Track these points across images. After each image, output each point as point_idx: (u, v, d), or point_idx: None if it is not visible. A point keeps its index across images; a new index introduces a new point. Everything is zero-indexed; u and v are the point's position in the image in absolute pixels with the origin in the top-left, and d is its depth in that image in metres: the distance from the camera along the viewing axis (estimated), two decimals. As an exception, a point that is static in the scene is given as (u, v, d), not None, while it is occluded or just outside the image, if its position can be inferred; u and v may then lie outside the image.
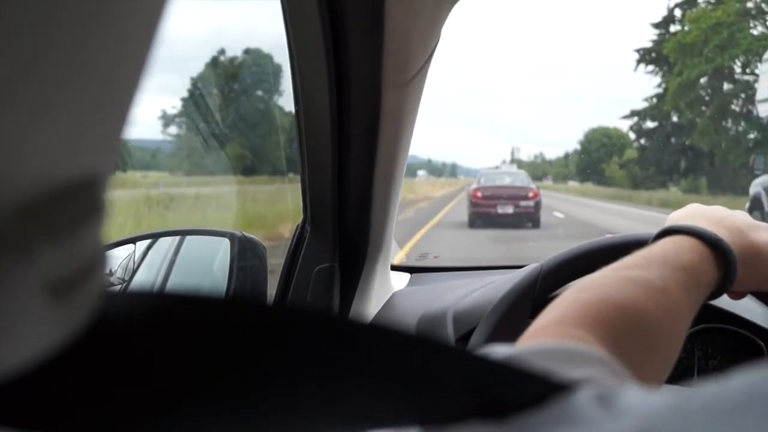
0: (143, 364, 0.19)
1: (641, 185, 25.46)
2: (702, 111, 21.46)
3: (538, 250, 7.82)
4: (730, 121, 20.52)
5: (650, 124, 26.06)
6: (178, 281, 0.93)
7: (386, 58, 0.78)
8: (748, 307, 0.89)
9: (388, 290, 1.15)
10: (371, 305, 1.07)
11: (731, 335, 0.89)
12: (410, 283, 1.25)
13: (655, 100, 25.62)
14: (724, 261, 0.49)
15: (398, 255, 1.36)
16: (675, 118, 24.28)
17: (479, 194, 11.11)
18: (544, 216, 11.21)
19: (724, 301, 0.66)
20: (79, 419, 0.18)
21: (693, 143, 22.46)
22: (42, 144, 0.14)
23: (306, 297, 0.97)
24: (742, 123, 20.10)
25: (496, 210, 10.83)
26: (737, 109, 20.42)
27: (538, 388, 0.25)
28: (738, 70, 20.39)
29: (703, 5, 20.13)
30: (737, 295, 0.59)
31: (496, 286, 0.89)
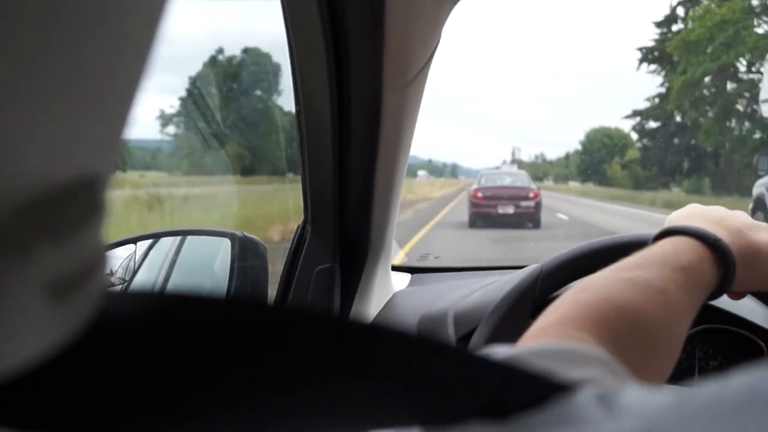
0: (143, 364, 0.19)
1: (643, 186, 25.18)
2: (706, 110, 21.15)
3: (539, 251, 7.81)
4: (734, 121, 20.30)
5: (653, 124, 25.80)
6: (179, 281, 0.93)
7: (387, 58, 0.78)
8: (748, 308, 0.89)
9: (388, 291, 1.15)
10: (372, 306, 1.07)
11: (732, 336, 0.89)
12: (411, 283, 1.25)
13: (657, 100, 25.43)
14: (723, 261, 0.49)
15: (398, 255, 1.35)
16: (678, 118, 23.99)
17: (480, 194, 11.11)
18: (547, 218, 11.11)
19: (724, 302, 0.66)
20: (79, 419, 0.18)
21: (697, 143, 22.17)
22: (42, 144, 0.14)
23: (307, 297, 0.97)
24: (747, 123, 19.85)
25: (496, 210, 10.83)
26: (741, 108, 20.17)
27: (539, 389, 0.25)
28: (743, 69, 20.15)
29: (707, 2, 19.86)
30: (737, 296, 0.59)
31: (496, 286, 0.89)
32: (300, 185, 0.99)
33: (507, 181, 12.33)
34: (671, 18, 23.47)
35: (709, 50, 19.51)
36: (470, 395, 0.24)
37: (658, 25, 24.12)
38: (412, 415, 0.24)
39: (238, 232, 0.93)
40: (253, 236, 0.94)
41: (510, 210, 10.84)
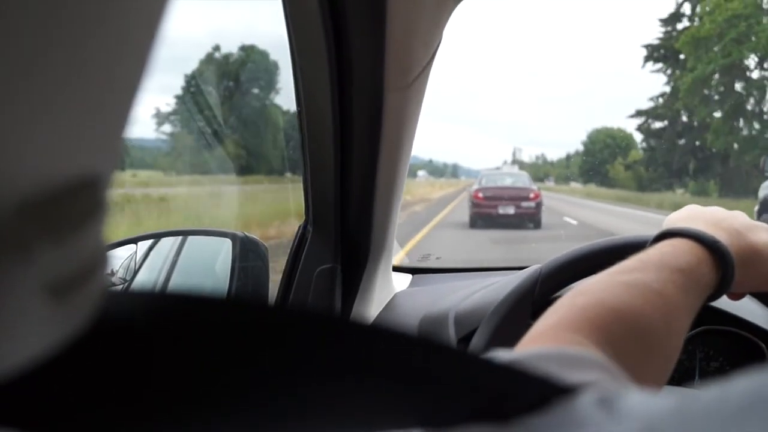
0: (144, 363, 0.19)
1: (647, 187, 24.76)
2: (714, 109, 20.72)
3: (540, 251, 7.80)
4: (741, 121, 19.91)
5: (659, 124, 25.36)
6: (179, 281, 0.93)
7: (388, 59, 0.78)
8: (749, 309, 0.89)
9: (389, 291, 1.15)
10: (373, 306, 1.07)
11: (732, 337, 0.89)
12: (412, 284, 1.25)
13: (660, 99, 25.13)
14: (721, 263, 0.49)
15: (398, 255, 1.36)
16: (684, 118, 23.61)
17: (480, 195, 11.12)
18: (554, 222, 10.98)
19: (725, 303, 0.66)
20: (79, 419, 0.18)
21: (703, 144, 21.72)
22: (42, 144, 0.14)
23: (308, 298, 0.97)
24: (756, 123, 19.43)
25: (497, 211, 10.83)
26: (750, 108, 19.83)
27: (540, 391, 0.25)
28: (753, 65, 19.69)
29: (716, -2, 19.33)
30: (736, 296, 0.59)
31: (497, 287, 0.89)
32: (300, 185, 0.99)
33: (508, 182, 12.32)
34: (677, 15, 23.13)
35: (718, 47, 19.00)
36: (471, 397, 0.24)
37: (664, 22, 23.82)
38: (412, 415, 0.24)
39: (239, 233, 0.93)
40: (254, 236, 0.94)
41: (510, 210, 10.85)
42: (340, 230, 0.98)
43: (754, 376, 0.21)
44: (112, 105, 0.16)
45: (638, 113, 25.99)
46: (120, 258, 0.87)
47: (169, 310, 0.19)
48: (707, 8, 19.57)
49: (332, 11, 0.76)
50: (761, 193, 6.28)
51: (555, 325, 0.40)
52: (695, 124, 22.97)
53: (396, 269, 1.23)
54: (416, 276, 1.28)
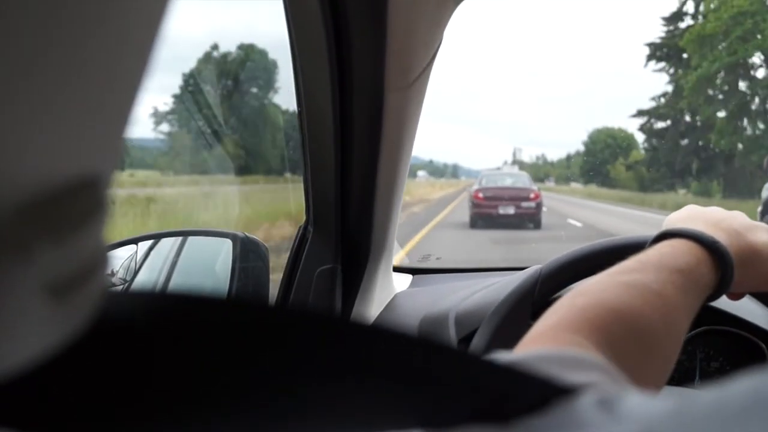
0: (144, 364, 0.19)
1: (649, 188, 24.40)
2: (718, 109, 20.39)
3: (540, 252, 7.79)
4: (746, 120, 19.64)
5: (661, 124, 25.02)
6: (180, 282, 0.93)
7: (389, 60, 0.78)
8: (749, 309, 0.89)
9: (390, 291, 1.15)
10: (373, 306, 1.07)
11: (733, 337, 0.89)
12: (412, 284, 1.25)
13: (662, 99, 24.87)
14: (720, 263, 0.49)
15: (399, 255, 1.36)
16: (688, 118, 23.25)
17: (480, 195, 11.13)
18: (557, 224, 10.87)
19: (725, 304, 0.66)
20: (79, 419, 0.18)
21: (706, 144, 21.25)
22: (43, 144, 0.14)
23: (308, 298, 0.97)
24: (760, 123, 19.15)
25: (497, 211, 10.84)
26: (754, 108, 19.56)
27: (541, 393, 0.25)
28: (758, 62, 19.33)
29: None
30: (736, 296, 0.59)
31: (497, 288, 0.89)
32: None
33: (508, 182, 12.33)
34: (680, 13, 22.76)
35: (723, 45, 18.60)
36: (471, 397, 0.24)
37: (667, 20, 23.53)
38: (412, 416, 0.24)
39: (239, 233, 0.93)
40: (254, 237, 0.94)
41: (511, 210, 10.86)
42: (341, 230, 0.98)
43: (752, 378, 0.21)
44: (112, 105, 0.16)
45: (640, 113, 25.77)
46: (120, 258, 0.87)
47: (169, 310, 0.19)
48: (712, 5, 19.17)
49: (332, 11, 0.76)
50: (764, 194, 6.24)
51: (555, 325, 0.40)
52: (698, 124, 22.68)
53: (396, 269, 1.23)
54: (416, 276, 1.28)
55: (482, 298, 0.90)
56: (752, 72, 19.89)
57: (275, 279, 0.98)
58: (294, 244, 1.01)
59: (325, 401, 0.22)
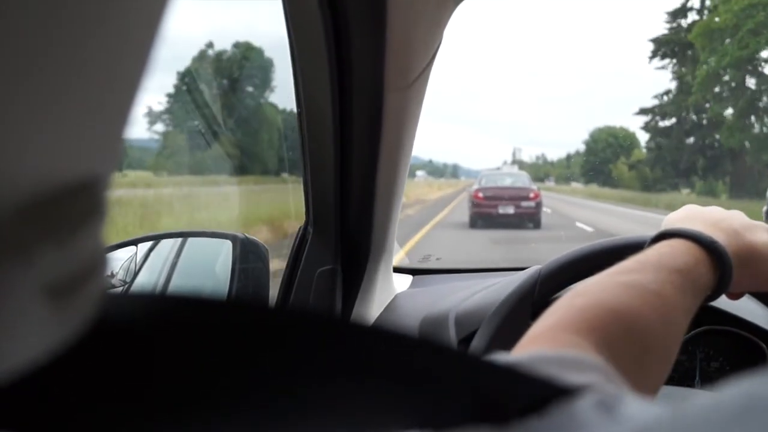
0: (144, 365, 0.19)
1: (652, 187, 23.97)
2: (726, 106, 19.89)
3: (540, 252, 7.77)
4: (753, 118, 19.24)
5: (666, 122, 24.57)
6: (180, 283, 0.93)
7: (388, 59, 0.78)
8: (749, 309, 0.89)
9: (390, 292, 1.15)
10: (373, 307, 1.07)
11: (733, 337, 0.89)
12: (412, 285, 1.25)
13: (666, 97, 24.49)
14: (719, 263, 0.49)
15: (398, 255, 1.36)
16: (694, 116, 22.77)
17: (480, 195, 11.15)
18: (565, 227, 10.78)
19: (725, 303, 0.66)
20: (79, 421, 0.18)
21: (712, 142, 20.69)
22: (42, 144, 0.14)
23: (308, 299, 0.97)
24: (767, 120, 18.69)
25: (497, 210, 10.86)
26: (762, 105, 19.17)
27: (540, 394, 0.25)
28: (766, 58, 18.82)
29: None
30: (735, 296, 0.59)
31: (497, 288, 0.89)
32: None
33: (507, 182, 12.35)
34: (685, 8, 22.33)
35: (734, 38, 17.96)
36: (470, 398, 0.24)
37: (672, 15, 23.08)
38: (412, 417, 0.24)
39: (239, 234, 0.93)
40: (254, 238, 0.94)
41: (510, 210, 10.88)
42: (341, 231, 0.98)
43: (747, 382, 0.21)
44: (112, 105, 0.16)
45: (643, 111, 25.40)
46: (120, 260, 0.86)
47: (169, 311, 0.19)
48: (723, -3, 18.71)
49: (332, 11, 0.76)
50: (769, 194, 6.21)
51: (553, 326, 0.40)
52: (704, 122, 22.30)
53: (396, 270, 1.23)
54: (416, 277, 1.29)
55: (482, 299, 0.90)
56: (760, 68, 19.54)
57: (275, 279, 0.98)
58: (294, 245, 1.01)
59: (326, 402, 0.22)
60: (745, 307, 0.89)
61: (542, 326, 0.40)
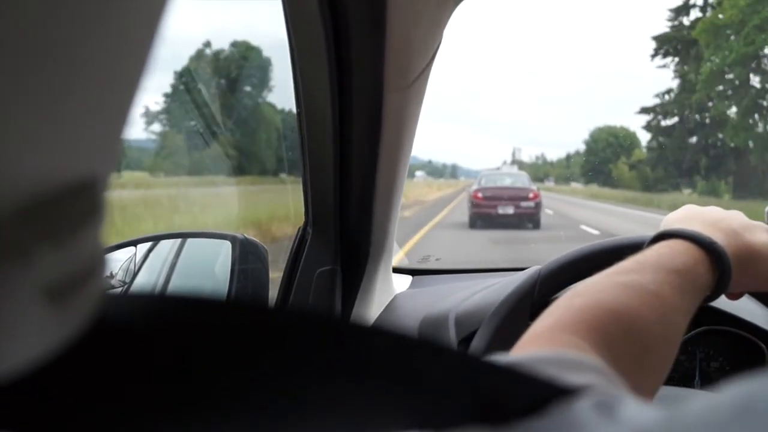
0: (143, 366, 0.19)
1: (653, 187, 23.52)
2: (730, 104, 19.58)
3: (540, 252, 7.77)
4: (756, 116, 18.93)
5: (668, 122, 24.24)
6: (179, 284, 0.93)
7: (388, 59, 0.78)
8: (748, 309, 0.89)
9: (389, 293, 1.15)
10: (373, 308, 1.07)
11: (732, 337, 0.89)
12: (412, 285, 1.25)
13: (667, 96, 24.13)
14: (718, 264, 0.49)
15: (398, 255, 1.36)
16: (697, 115, 22.43)
17: (480, 195, 11.16)
18: (570, 234, 10.64)
19: (724, 304, 0.66)
20: (79, 421, 0.18)
21: (715, 141, 20.29)
22: (42, 144, 0.14)
23: (308, 300, 0.97)
24: None
25: (496, 210, 10.87)
26: (766, 103, 18.90)
27: (539, 395, 0.25)
28: None
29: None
30: (735, 296, 0.59)
31: (497, 288, 0.89)
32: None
33: (507, 182, 12.36)
34: (687, 5, 22.04)
35: (739, 35, 17.58)
36: (470, 398, 0.24)
37: (675, 12, 22.80)
38: (411, 417, 0.24)
39: (239, 235, 0.93)
40: (254, 239, 0.94)
41: (510, 210, 10.89)
42: (340, 231, 0.98)
43: (745, 384, 0.21)
44: (111, 105, 0.16)
45: (645, 110, 25.06)
46: (119, 260, 0.86)
47: (168, 312, 0.19)
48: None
49: (332, 12, 0.76)
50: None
51: (552, 326, 0.40)
52: (707, 120, 21.94)
53: (396, 270, 1.23)
54: (416, 277, 1.29)
55: (482, 299, 0.90)
56: (764, 66, 19.21)
57: (274, 278, 0.98)
58: (293, 246, 1.01)
59: (325, 402, 0.22)
60: (745, 308, 0.89)
61: (541, 326, 0.40)
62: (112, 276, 0.85)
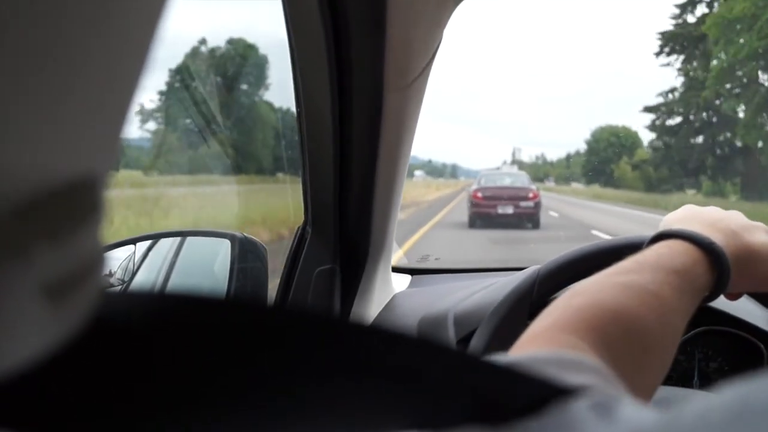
0: (142, 364, 0.19)
1: (656, 188, 23.25)
2: (739, 102, 19.14)
3: (539, 252, 7.77)
4: (765, 115, 18.53)
5: (673, 121, 23.76)
6: (178, 282, 0.93)
7: (388, 59, 0.78)
8: (747, 310, 0.89)
9: (389, 292, 1.15)
10: (372, 307, 1.07)
11: (731, 338, 0.89)
12: (411, 284, 1.25)
13: (671, 95, 23.64)
14: (716, 264, 0.49)
15: (397, 254, 1.36)
16: (704, 113, 21.97)
17: (479, 195, 11.17)
18: (582, 240, 10.51)
19: (723, 304, 0.66)
20: (77, 420, 0.18)
21: (728, 139, 19.87)
22: (41, 143, 0.14)
23: (307, 299, 0.97)
24: None
25: (496, 210, 10.89)
26: None
27: (537, 395, 0.25)
28: None
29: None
30: (734, 296, 0.60)
31: (496, 288, 0.89)
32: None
33: (507, 182, 12.37)
34: (694, 0, 21.58)
35: (755, 27, 16.94)
36: (469, 398, 0.24)
37: (681, 8, 22.37)
38: (410, 416, 0.24)
39: (238, 233, 0.93)
40: (253, 237, 0.94)
41: (509, 210, 10.90)
42: (339, 231, 0.98)
43: (742, 385, 0.21)
44: (110, 104, 0.16)
45: (648, 109, 24.70)
46: (118, 259, 0.86)
47: (167, 310, 0.19)
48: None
49: (332, 12, 0.76)
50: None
51: (551, 326, 0.40)
52: (714, 119, 21.53)
53: (395, 270, 1.23)
54: (415, 277, 1.29)
55: (481, 299, 0.90)
56: None
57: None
58: (292, 245, 1.01)
59: (324, 402, 0.22)
60: (744, 308, 0.89)
61: (540, 326, 0.40)
62: (111, 274, 0.85)
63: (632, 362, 0.40)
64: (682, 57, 23.31)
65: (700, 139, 22.94)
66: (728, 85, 19.70)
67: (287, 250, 1.02)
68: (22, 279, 0.14)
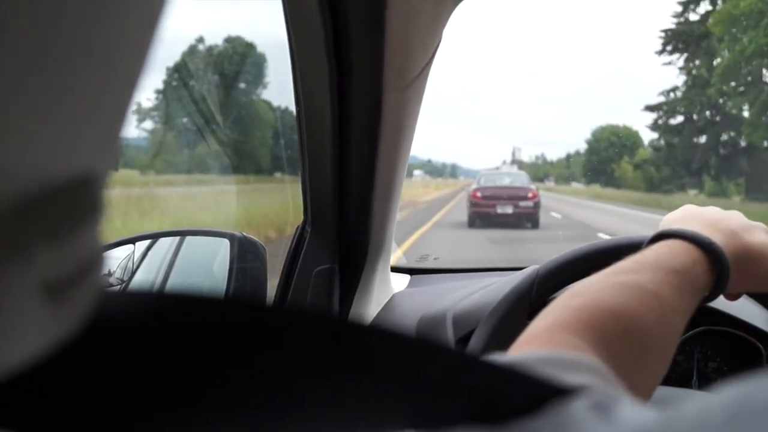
0: (141, 364, 0.19)
1: (657, 188, 22.97)
2: (744, 101, 18.86)
3: (539, 252, 7.76)
4: None
5: (675, 120, 23.41)
6: (177, 282, 0.93)
7: (387, 59, 0.78)
8: (746, 310, 0.89)
9: (388, 292, 1.15)
10: (371, 307, 1.07)
11: (731, 338, 0.89)
12: (410, 284, 1.25)
13: (672, 94, 23.37)
14: (716, 264, 0.49)
15: (396, 254, 1.36)
16: (707, 112, 21.70)
17: (479, 194, 11.18)
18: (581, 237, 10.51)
19: (723, 304, 0.66)
20: (77, 420, 0.18)
21: (731, 139, 19.56)
22: (40, 142, 0.14)
23: (306, 298, 0.97)
24: None
25: (495, 210, 10.89)
26: None
27: (536, 394, 0.25)
28: None
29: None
30: (733, 296, 0.60)
31: (495, 288, 0.89)
32: (297, 186, 0.99)
33: (506, 182, 12.38)
34: None
35: (763, 23, 16.66)
36: (467, 398, 0.24)
37: (684, 5, 22.06)
38: (408, 416, 0.24)
39: (237, 233, 0.93)
40: (252, 237, 0.94)
41: (509, 210, 10.91)
42: (338, 230, 0.97)
43: (739, 386, 0.21)
44: (110, 104, 0.16)
45: (650, 108, 24.42)
46: (118, 258, 0.86)
47: (166, 310, 0.19)
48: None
49: (332, 12, 0.76)
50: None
51: (550, 326, 0.40)
52: (718, 118, 21.23)
53: (394, 269, 1.23)
54: (414, 276, 1.28)
55: (480, 299, 0.90)
56: None
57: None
58: (291, 244, 1.01)
59: (323, 401, 0.22)
60: (743, 308, 0.89)
61: (539, 326, 0.40)
62: (110, 274, 0.85)
63: (631, 362, 0.40)
64: (684, 55, 23.10)
65: (703, 138, 22.71)
66: (733, 83, 19.50)
67: (286, 250, 1.02)
68: (21, 278, 0.14)
